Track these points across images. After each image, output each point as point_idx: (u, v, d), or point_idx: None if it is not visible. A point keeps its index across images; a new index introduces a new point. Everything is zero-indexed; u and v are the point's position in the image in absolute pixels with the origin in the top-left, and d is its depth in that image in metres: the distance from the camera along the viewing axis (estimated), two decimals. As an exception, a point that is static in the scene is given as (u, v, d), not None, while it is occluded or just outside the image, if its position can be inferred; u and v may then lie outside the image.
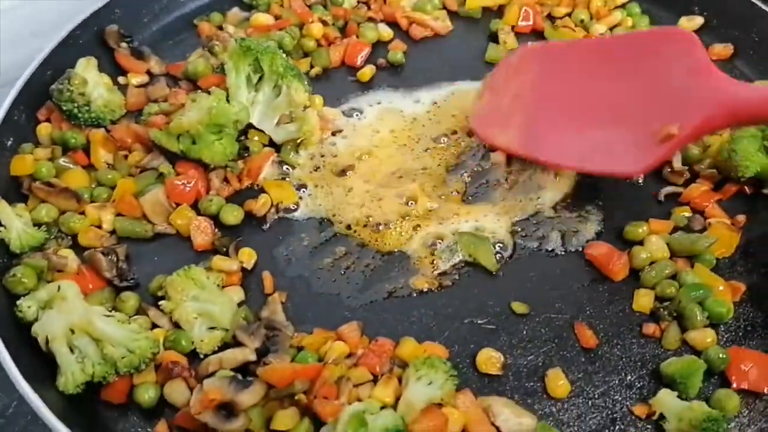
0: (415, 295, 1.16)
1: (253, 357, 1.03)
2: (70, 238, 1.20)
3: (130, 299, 1.10)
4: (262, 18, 1.55)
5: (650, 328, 1.10)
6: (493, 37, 1.58)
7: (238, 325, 1.07)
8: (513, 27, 1.58)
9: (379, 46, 1.57)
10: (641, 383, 1.05)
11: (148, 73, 1.46)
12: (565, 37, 1.54)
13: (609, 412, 1.02)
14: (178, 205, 1.23)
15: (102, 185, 1.26)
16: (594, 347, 1.09)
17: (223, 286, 1.13)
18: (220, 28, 1.57)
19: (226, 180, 1.29)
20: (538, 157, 1.27)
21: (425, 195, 1.28)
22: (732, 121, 1.11)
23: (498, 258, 1.20)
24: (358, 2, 1.62)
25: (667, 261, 1.16)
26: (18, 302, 1.04)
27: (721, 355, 1.04)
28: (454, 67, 1.51)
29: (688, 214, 1.24)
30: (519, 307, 1.14)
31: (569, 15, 1.60)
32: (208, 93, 1.28)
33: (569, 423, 1.02)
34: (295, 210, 1.27)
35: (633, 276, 1.17)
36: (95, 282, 1.12)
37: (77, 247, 1.19)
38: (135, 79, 1.44)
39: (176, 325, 1.08)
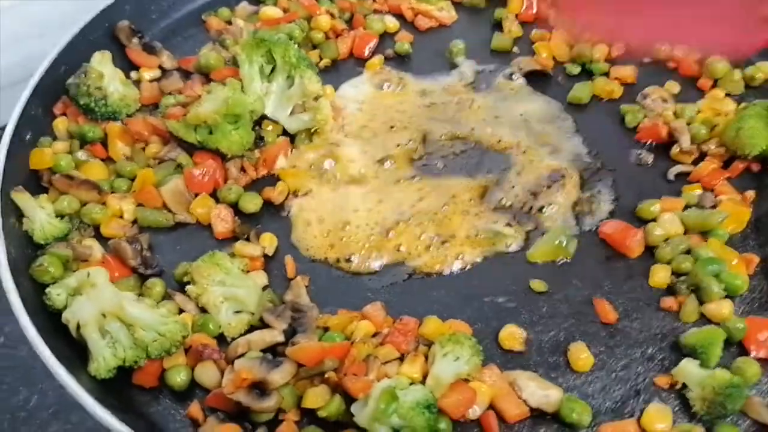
0: (434, 276, 1.18)
1: (281, 338, 1.04)
2: (92, 228, 1.21)
3: (157, 286, 1.11)
4: (270, 11, 1.57)
5: (668, 302, 1.13)
6: (498, 26, 1.60)
7: (265, 308, 1.08)
8: (517, 15, 1.60)
9: (385, 37, 1.59)
10: (662, 355, 1.07)
11: (160, 68, 1.47)
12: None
13: (632, 384, 1.04)
14: (197, 194, 1.25)
15: (121, 177, 1.27)
16: (614, 322, 1.11)
17: (247, 271, 1.15)
18: (229, 23, 1.59)
19: (242, 169, 1.30)
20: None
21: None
22: None
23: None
24: (364, -6, 1.64)
25: (682, 237, 1.19)
26: (47, 290, 1.05)
27: (739, 325, 1.06)
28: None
29: (698, 191, 1.26)
30: (538, 285, 1.16)
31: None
32: (223, 85, 1.30)
33: (593, 395, 1.03)
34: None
35: (648, 253, 1.19)
36: (120, 270, 1.13)
37: (100, 238, 1.20)
38: (147, 74, 1.45)
39: (203, 310, 1.09)
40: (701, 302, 1.11)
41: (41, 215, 1.16)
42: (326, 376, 0.99)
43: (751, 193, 1.25)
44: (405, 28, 1.60)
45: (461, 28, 1.62)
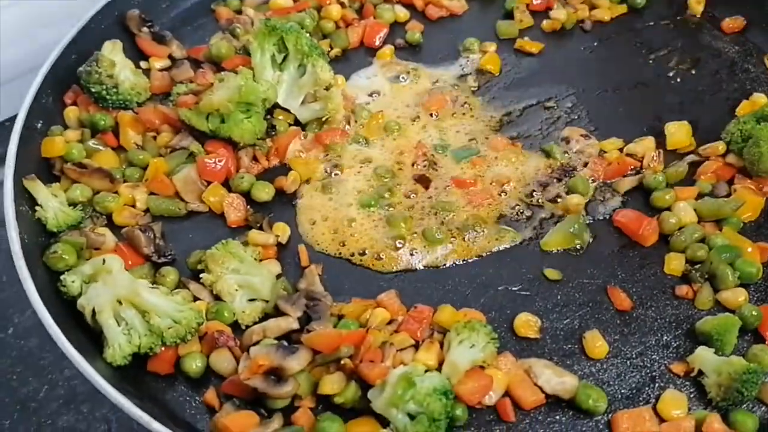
0: (448, 264, 1.18)
1: (296, 325, 1.04)
2: (104, 217, 1.21)
3: (170, 274, 1.11)
4: (281, 0, 1.57)
5: (683, 290, 1.13)
6: (509, 15, 1.59)
7: (279, 296, 1.08)
8: (528, 5, 1.60)
9: (395, 27, 1.58)
10: (677, 342, 1.07)
11: (170, 57, 1.47)
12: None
13: (648, 371, 1.04)
14: (209, 183, 1.25)
15: (133, 165, 1.27)
16: (629, 309, 1.11)
17: (260, 260, 1.14)
18: (239, 12, 1.58)
19: (254, 158, 1.30)
20: None
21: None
22: None
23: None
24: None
25: (696, 225, 1.18)
26: (62, 277, 1.04)
27: (754, 313, 1.06)
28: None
29: (712, 181, 1.26)
30: (552, 273, 1.16)
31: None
32: (235, 73, 1.29)
33: (609, 382, 1.03)
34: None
35: (662, 241, 1.19)
36: (134, 258, 1.13)
37: (112, 227, 1.20)
38: (158, 63, 1.45)
39: (217, 298, 1.09)
40: (716, 290, 1.11)
41: (54, 203, 1.16)
42: (342, 363, 0.99)
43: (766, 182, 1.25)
44: (415, 17, 1.60)
45: (472, 18, 1.61)
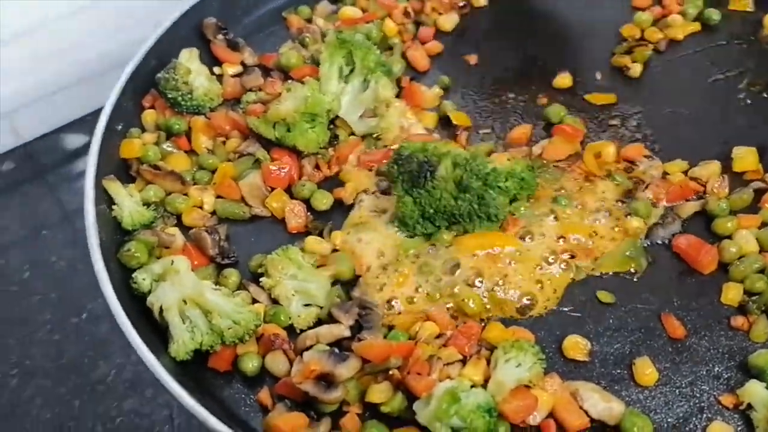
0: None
1: (347, 333, 1.08)
2: (175, 217, 1.27)
3: (232, 275, 1.17)
4: (349, 11, 1.60)
5: (738, 321, 1.11)
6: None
7: (333, 303, 1.12)
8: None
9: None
10: (729, 374, 1.06)
11: (242, 64, 1.53)
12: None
13: (696, 401, 1.03)
14: (273, 189, 1.30)
15: (203, 169, 1.33)
16: (682, 338, 1.10)
17: (317, 266, 1.19)
18: (309, 21, 1.63)
19: (317, 167, 1.35)
20: None
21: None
22: None
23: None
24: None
25: (757, 255, 1.16)
26: (133, 275, 1.11)
27: (811, 349, 1.04)
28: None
29: (777, 209, 1.23)
30: (605, 296, 1.16)
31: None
32: (302, 83, 1.34)
33: (656, 410, 1.03)
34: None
35: (721, 269, 1.17)
36: (199, 259, 1.19)
37: (181, 227, 1.26)
38: (230, 70, 1.51)
39: (274, 301, 1.14)
40: (773, 323, 1.09)
41: (130, 203, 1.23)
42: (390, 373, 1.02)
43: (834, 214, 1.21)
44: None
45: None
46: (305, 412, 1.02)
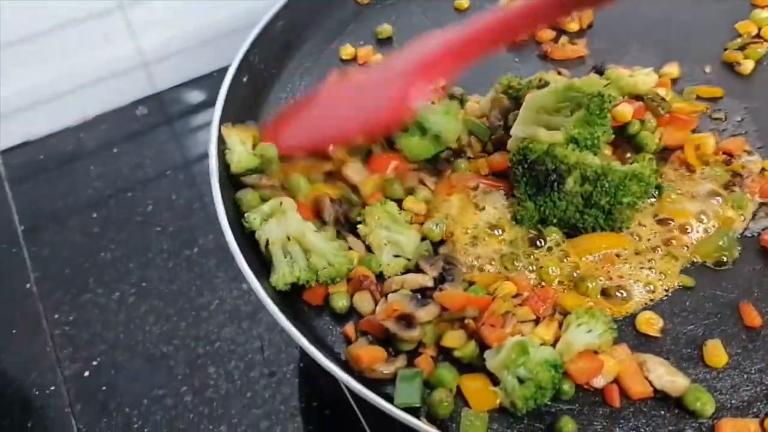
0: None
1: (431, 283, 1.16)
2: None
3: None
4: None
5: (819, 319, 1.11)
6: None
7: (421, 256, 1.21)
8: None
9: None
10: (802, 368, 1.07)
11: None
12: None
13: (764, 388, 1.05)
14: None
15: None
16: (758, 327, 1.11)
17: (411, 223, 1.27)
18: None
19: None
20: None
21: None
22: None
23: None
24: None
25: None
26: (246, 215, 1.22)
27: None
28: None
29: None
30: (686, 280, 1.18)
31: None
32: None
33: (722, 391, 1.05)
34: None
35: (808, 266, 1.17)
36: (306, 214, 1.25)
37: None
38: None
39: (368, 249, 1.24)
40: None
41: (240, 149, 1.31)
42: (465, 322, 1.10)
43: None
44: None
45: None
46: (384, 348, 1.11)
